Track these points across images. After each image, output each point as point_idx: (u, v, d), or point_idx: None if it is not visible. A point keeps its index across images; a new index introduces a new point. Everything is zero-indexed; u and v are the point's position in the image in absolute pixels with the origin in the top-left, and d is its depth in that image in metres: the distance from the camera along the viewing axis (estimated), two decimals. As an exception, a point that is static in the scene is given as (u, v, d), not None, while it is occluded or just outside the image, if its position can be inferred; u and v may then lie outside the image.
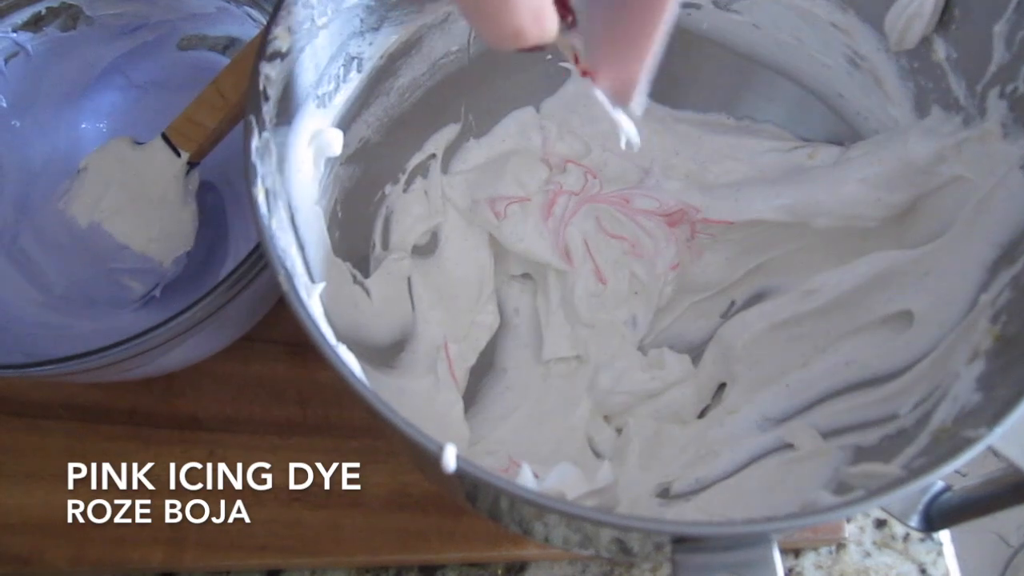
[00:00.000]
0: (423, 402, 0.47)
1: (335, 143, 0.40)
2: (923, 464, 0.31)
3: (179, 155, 0.49)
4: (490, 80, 0.51)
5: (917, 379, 0.38)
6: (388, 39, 0.43)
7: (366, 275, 0.48)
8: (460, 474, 0.27)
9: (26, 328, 0.50)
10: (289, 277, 0.31)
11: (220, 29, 0.55)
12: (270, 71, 0.35)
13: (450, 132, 0.52)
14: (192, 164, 0.50)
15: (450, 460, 0.27)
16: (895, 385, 0.40)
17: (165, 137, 0.50)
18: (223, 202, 0.56)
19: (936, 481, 0.36)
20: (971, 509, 0.34)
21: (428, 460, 0.28)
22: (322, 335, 0.30)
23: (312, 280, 0.38)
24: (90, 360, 0.41)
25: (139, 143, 0.50)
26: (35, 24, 0.51)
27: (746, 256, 0.51)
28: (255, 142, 0.33)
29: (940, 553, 0.49)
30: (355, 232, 0.47)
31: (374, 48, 0.43)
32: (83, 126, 0.56)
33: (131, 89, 0.57)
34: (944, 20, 0.40)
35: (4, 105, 0.53)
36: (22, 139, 0.54)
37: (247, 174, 0.32)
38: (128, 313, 0.52)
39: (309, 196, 0.40)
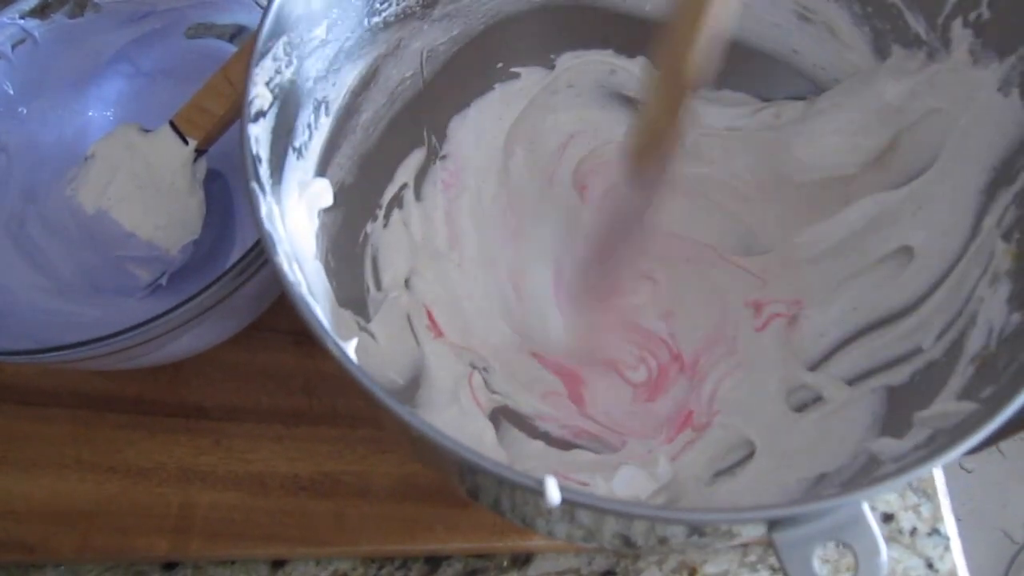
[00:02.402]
0: (454, 434, 0.46)
1: (325, 193, 0.40)
2: (995, 394, 0.31)
3: (187, 143, 0.49)
4: (447, 99, 0.52)
5: (933, 311, 0.39)
6: (348, 76, 0.43)
7: (367, 320, 0.47)
8: (565, 501, 0.27)
9: (33, 315, 0.50)
10: (337, 344, 0.29)
11: (228, 17, 0.55)
12: (258, 132, 0.34)
13: (417, 158, 0.52)
14: (200, 152, 0.50)
15: (554, 493, 0.26)
16: (911, 321, 0.40)
17: (173, 125, 0.49)
18: (230, 190, 0.56)
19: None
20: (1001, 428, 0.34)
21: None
22: (380, 392, 0.29)
23: None
24: (96, 347, 0.41)
25: (147, 130, 0.50)
26: (42, 11, 0.51)
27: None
28: (263, 209, 0.32)
29: (947, 548, 0.49)
30: (349, 278, 0.47)
31: (337, 88, 0.43)
32: (90, 114, 0.56)
33: (138, 77, 0.57)
34: None
35: (11, 92, 0.52)
36: (29, 126, 0.54)
37: (266, 244, 0.31)
38: (135, 301, 0.52)
39: (309, 252, 0.39)
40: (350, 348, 0.32)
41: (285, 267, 0.31)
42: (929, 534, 0.49)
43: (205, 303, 0.43)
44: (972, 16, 0.37)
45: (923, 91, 0.41)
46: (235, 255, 0.53)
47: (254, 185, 0.32)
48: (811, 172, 0.45)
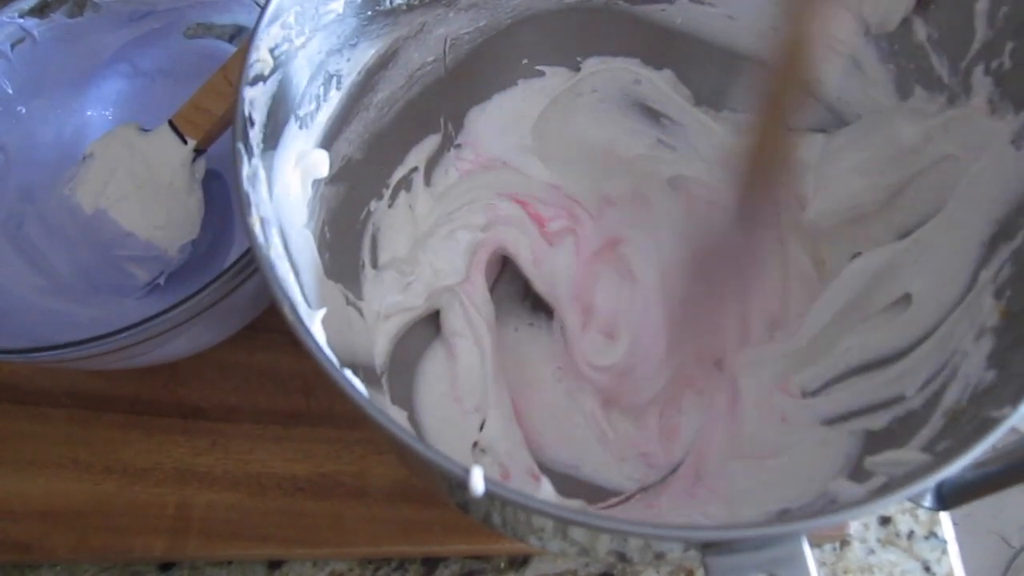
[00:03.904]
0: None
1: (321, 164, 0.40)
2: (949, 448, 0.30)
3: (186, 142, 0.49)
4: (467, 89, 0.51)
5: (921, 359, 0.38)
6: (365, 54, 0.43)
7: (358, 295, 0.47)
8: (488, 493, 0.26)
9: (30, 315, 0.50)
10: (294, 308, 0.30)
11: (227, 17, 0.55)
12: (254, 95, 0.34)
13: (431, 144, 0.52)
14: (199, 152, 0.50)
15: (478, 484, 0.26)
16: (899, 366, 0.39)
17: (172, 124, 0.49)
18: (228, 191, 0.56)
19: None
20: (984, 485, 0.33)
21: (439, 480, 0.27)
22: (334, 365, 0.29)
23: (309, 306, 0.36)
24: (93, 346, 0.41)
25: (145, 130, 0.50)
26: (41, 10, 0.51)
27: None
28: (245, 170, 0.33)
29: (944, 551, 0.49)
30: (344, 252, 0.47)
31: (352, 64, 0.42)
32: (89, 113, 0.56)
33: (137, 77, 0.57)
34: (924, 1, 0.40)
35: (10, 91, 0.52)
36: (28, 125, 0.54)
37: (241, 204, 0.32)
38: (132, 301, 0.52)
39: (298, 220, 0.39)
40: (317, 317, 0.33)
41: (257, 228, 0.31)
42: (926, 537, 0.49)
43: (203, 303, 0.43)
44: (994, 64, 0.37)
45: (938, 135, 0.40)
46: (233, 255, 0.53)
47: (239, 145, 0.33)
48: (821, 212, 0.45)
